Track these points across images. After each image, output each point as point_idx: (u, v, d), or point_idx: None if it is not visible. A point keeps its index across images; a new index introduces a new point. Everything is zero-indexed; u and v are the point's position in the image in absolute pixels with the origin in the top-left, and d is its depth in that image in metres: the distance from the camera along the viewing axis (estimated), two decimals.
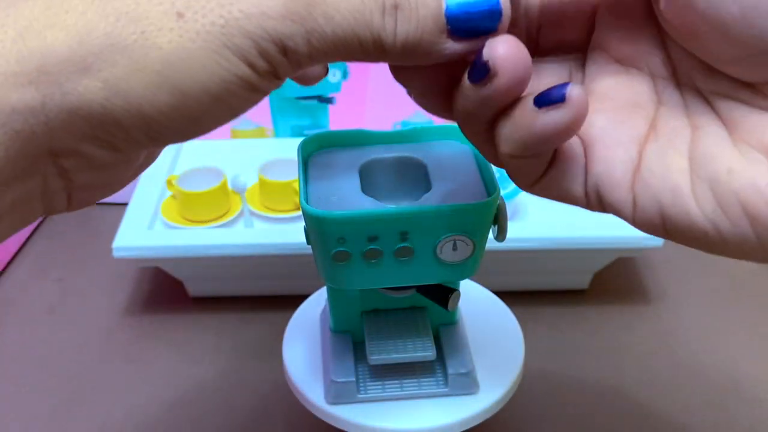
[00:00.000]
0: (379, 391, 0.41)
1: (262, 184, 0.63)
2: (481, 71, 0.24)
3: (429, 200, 0.35)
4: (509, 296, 0.50)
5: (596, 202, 0.26)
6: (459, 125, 0.27)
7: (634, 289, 0.63)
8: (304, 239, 0.57)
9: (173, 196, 0.63)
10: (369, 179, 0.37)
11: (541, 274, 0.61)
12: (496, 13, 0.24)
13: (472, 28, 0.24)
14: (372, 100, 0.71)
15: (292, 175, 0.63)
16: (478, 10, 0.24)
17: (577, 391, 0.54)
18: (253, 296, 0.61)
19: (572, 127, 0.24)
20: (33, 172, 0.23)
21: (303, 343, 0.46)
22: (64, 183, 0.24)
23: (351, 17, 0.23)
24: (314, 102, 0.71)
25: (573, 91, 0.23)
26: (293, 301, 0.49)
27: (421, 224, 0.33)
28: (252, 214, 0.63)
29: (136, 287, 0.64)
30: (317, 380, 0.43)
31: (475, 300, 0.49)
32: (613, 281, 0.63)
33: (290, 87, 0.70)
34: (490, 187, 0.35)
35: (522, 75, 0.23)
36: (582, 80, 0.28)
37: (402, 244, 0.33)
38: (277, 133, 0.74)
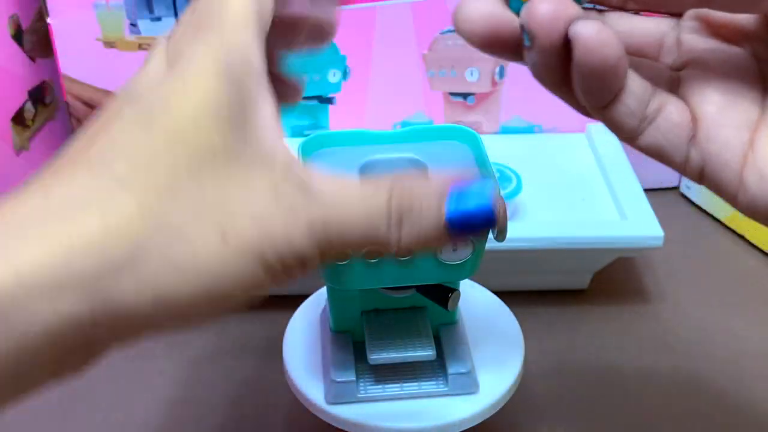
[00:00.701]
0: (379, 391, 0.41)
1: None
2: (525, 37, 0.26)
3: None
4: (509, 296, 0.50)
5: (696, 173, 0.27)
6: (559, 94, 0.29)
7: (634, 289, 0.63)
8: None
9: None
10: None
11: (540, 274, 0.61)
12: (489, 223, 0.27)
13: (469, 231, 0.27)
14: (372, 100, 0.71)
15: None
16: (476, 222, 0.27)
17: (577, 390, 0.54)
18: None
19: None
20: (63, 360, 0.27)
21: (303, 343, 0.46)
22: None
23: (359, 230, 0.26)
24: (314, 102, 0.72)
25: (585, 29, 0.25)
26: (293, 301, 0.49)
27: None
28: None
29: None
30: (317, 380, 0.43)
31: (475, 300, 0.49)
32: (613, 281, 0.63)
33: None
34: None
35: (557, 32, 0.25)
36: (678, 46, 0.29)
37: None
38: None
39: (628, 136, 0.28)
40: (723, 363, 0.56)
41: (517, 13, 0.27)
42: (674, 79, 0.30)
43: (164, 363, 0.56)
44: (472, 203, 0.27)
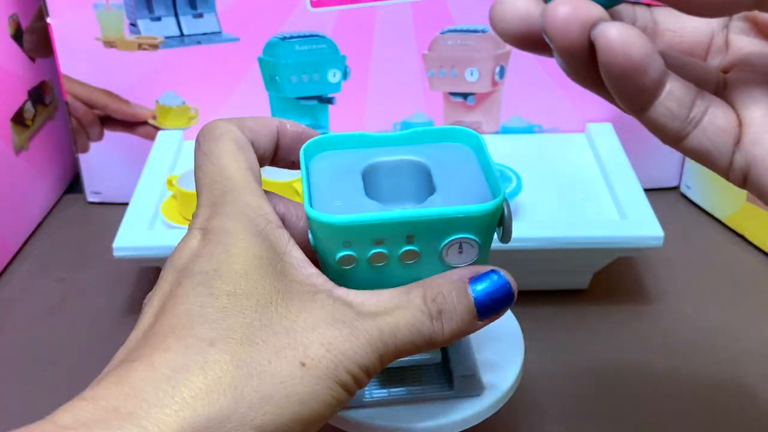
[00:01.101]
0: (385, 394, 0.41)
1: (263, 183, 0.63)
2: (546, 39, 0.26)
3: (434, 203, 0.35)
4: None
5: (740, 178, 0.27)
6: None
7: (634, 289, 0.63)
8: None
9: (174, 196, 0.63)
10: (372, 182, 0.37)
11: (541, 274, 0.61)
12: (511, 297, 0.34)
13: (496, 309, 0.33)
14: (372, 100, 0.71)
15: (292, 175, 0.63)
16: (499, 297, 0.33)
17: (577, 390, 0.54)
18: None
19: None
20: None
21: None
22: None
23: (408, 333, 0.31)
24: (314, 102, 0.72)
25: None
26: None
27: (428, 227, 0.33)
28: None
29: (137, 287, 0.64)
30: None
31: None
32: (613, 281, 0.63)
33: (290, 87, 0.70)
34: (494, 188, 0.35)
35: (575, 34, 0.25)
36: (727, 47, 0.29)
37: (408, 247, 0.33)
38: None
39: (671, 139, 0.27)
40: (723, 363, 0.56)
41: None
42: (721, 81, 0.29)
43: None
44: (492, 286, 0.33)
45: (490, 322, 0.34)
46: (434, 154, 0.38)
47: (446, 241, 0.33)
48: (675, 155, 0.73)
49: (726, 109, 0.27)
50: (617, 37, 0.24)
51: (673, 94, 0.26)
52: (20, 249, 0.69)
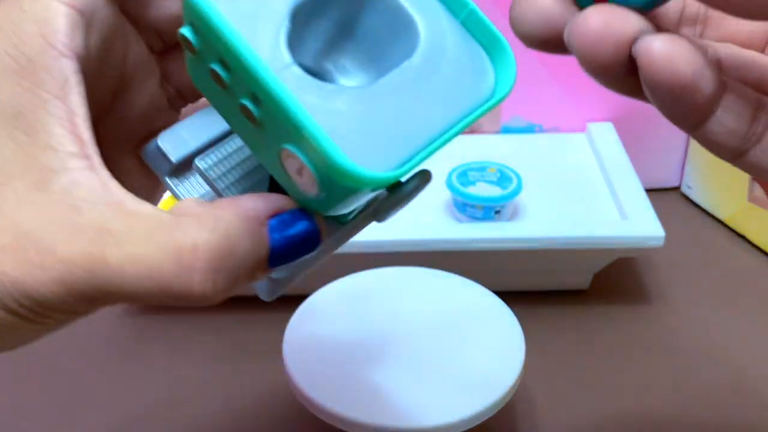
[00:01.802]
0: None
1: None
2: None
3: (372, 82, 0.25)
4: (509, 296, 0.50)
5: None
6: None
7: (634, 289, 0.63)
8: None
9: (173, 196, 0.63)
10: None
11: (541, 274, 0.61)
12: (315, 246, 0.25)
13: (291, 258, 0.25)
14: None
15: None
16: (301, 246, 0.25)
17: (577, 390, 0.54)
18: (253, 296, 0.61)
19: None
20: None
21: (304, 342, 0.46)
22: None
23: (146, 277, 0.23)
24: None
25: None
26: (293, 301, 0.49)
27: (273, 105, 0.23)
28: None
29: None
30: (318, 380, 0.43)
31: (475, 300, 0.49)
32: (613, 281, 0.63)
33: None
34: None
35: (610, 53, 0.22)
36: None
37: (248, 103, 0.24)
38: None
39: (728, 155, 0.24)
40: (723, 363, 0.56)
41: (583, 7, 0.23)
42: None
43: (164, 363, 0.56)
44: (297, 235, 0.25)
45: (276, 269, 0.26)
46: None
47: (283, 146, 0.24)
48: (676, 155, 0.73)
49: None
50: (662, 52, 0.21)
51: (730, 108, 0.23)
52: None
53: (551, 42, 0.24)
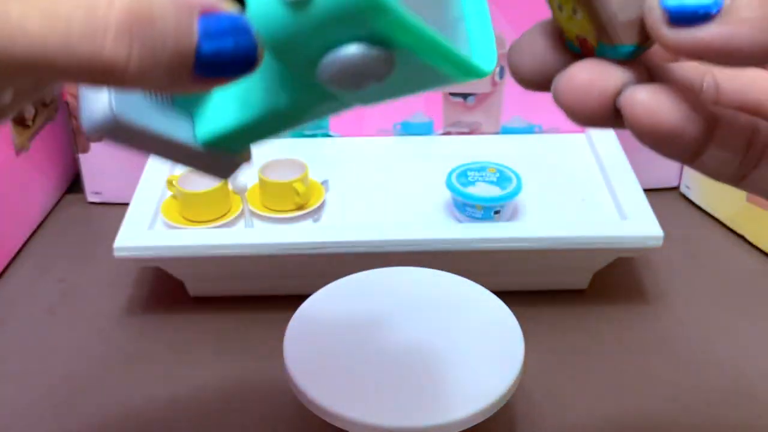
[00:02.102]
0: None
1: (262, 184, 0.63)
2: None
3: None
4: (509, 296, 0.50)
5: None
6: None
7: (633, 289, 0.63)
8: (304, 239, 0.58)
9: (174, 196, 0.64)
10: None
11: (540, 274, 0.61)
12: (250, 61, 0.22)
13: (221, 70, 0.22)
14: None
15: (292, 175, 0.63)
16: (232, 53, 0.21)
17: (577, 390, 0.54)
18: (253, 296, 0.62)
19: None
20: None
21: (304, 342, 0.46)
22: None
23: (82, 48, 0.20)
24: None
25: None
26: (293, 301, 0.50)
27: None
28: (252, 214, 0.63)
29: (137, 287, 0.64)
30: (318, 380, 0.43)
31: (475, 300, 0.49)
32: (612, 281, 0.63)
33: None
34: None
35: (594, 108, 0.23)
36: None
37: None
38: None
39: (727, 182, 0.24)
40: (722, 362, 0.56)
41: (574, 52, 0.24)
42: None
43: (164, 363, 0.56)
44: (230, 35, 0.21)
45: (204, 87, 0.22)
46: None
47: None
48: None
49: None
50: (644, 105, 0.22)
51: (723, 142, 0.23)
52: (21, 249, 0.69)
53: (547, 85, 0.25)
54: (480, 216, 0.60)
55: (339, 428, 0.42)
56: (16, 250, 0.68)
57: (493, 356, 0.45)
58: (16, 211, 0.68)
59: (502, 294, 0.50)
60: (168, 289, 0.63)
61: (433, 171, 0.67)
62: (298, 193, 0.62)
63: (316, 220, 0.63)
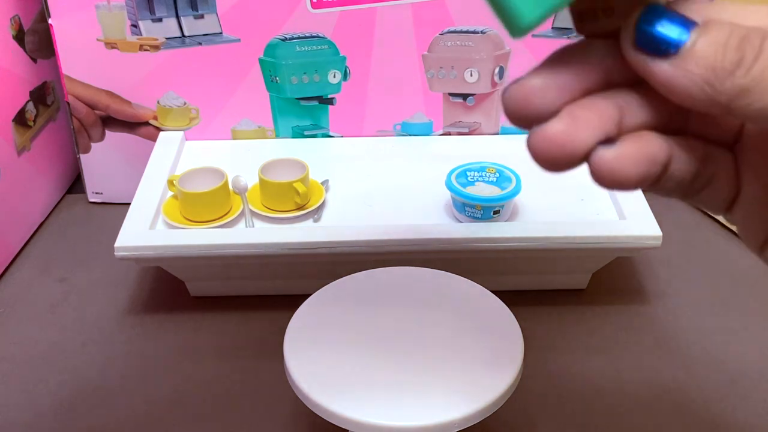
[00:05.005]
0: None
1: (263, 184, 0.63)
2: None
3: None
4: (508, 296, 0.50)
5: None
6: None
7: (632, 289, 0.63)
8: (304, 239, 0.58)
9: (175, 197, 0.64)
10: None
11: (540, 274, 0.61)
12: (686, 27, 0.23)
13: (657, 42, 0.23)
14: (372, 101, 0.71)
15: (292, 175, 0.63)
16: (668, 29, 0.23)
17: (576, 390, 0.54)
18: (253, 296, 0.62)
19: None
20: None
21: (304, 342, 0.46)
22: None
23: None
24: (314, 102, 0.72)
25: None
26: (294, 300, 0.50)
27: None
28: (253, 214, 0.63)
29: (138, 287, 0.64)
30: (319, 379, 0.43)
31: (474, 300, 0.50)
32: (611, 281, 0.63)
33: (291, 87, 0.70)
34: None
35: (560, 162, 0.25)
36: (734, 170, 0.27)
37: None
38: (278, 134, 0.74)
39: (681, 200, 0.27)
40: (721, 362, 0.56)
41: None
42: (737, 130, 0.27)
43: (165, 362, 0.56)
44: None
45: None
46: None
47: None
48: None
49: (728, 175, 0.26)
50: (611, 167, 0.24)
51: (675, 175, 0.26)
52: (22, 249, 0.69)
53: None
54: (480, 216, 0.60)
55: (339, 428, 0.42)
56: (17, 249, 0.68)
57: (493, 356, 0.45)
58: (17, 210, 0.68)
59: (502, 294, 0.50)
60: (169, 289, 0.63)
61: (432, 171, 0.67)
62: (298, 193, 0.62)
63: (316, 220, 0.64)
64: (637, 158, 0.24)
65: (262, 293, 0.62)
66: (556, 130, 0.24)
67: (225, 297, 0.62)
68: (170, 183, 0.63)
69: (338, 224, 0.63)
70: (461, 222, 0.61)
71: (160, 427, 0.51)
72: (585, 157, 0.24)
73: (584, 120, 0.24)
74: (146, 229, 0.59)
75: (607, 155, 0.24)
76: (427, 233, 0.57)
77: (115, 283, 0.64)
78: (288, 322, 0.48)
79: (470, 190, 0.60)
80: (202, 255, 0.56)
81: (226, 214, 0.63)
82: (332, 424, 0.42)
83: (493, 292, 0.50)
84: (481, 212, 0.60)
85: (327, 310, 0.49)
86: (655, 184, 0.26)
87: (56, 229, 0.72)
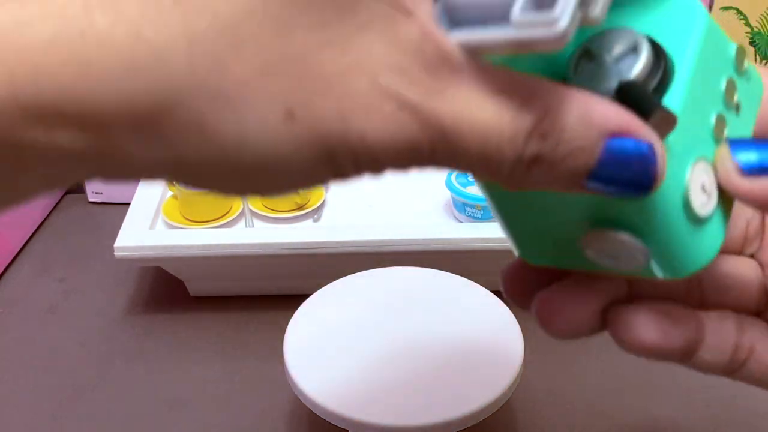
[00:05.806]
0: None
1: None
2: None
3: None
4: None
5: None
6: None
7: None
8: (304, 239, 0.58)
9: (174, 196, 0.64)
10: None
11: None
12: (649, 185, 0.20)
13: (613, 188, 0.21)
14: None
15: None
16: (631, 177, 0.20)
17: (577, 390, 0.54)
18: (253, 296, 0.62)
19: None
20: None
21: (304, 342, 0.46)
22: None
23: (477, 146, 0.20)
24: None
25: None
26: (294, 300, 0.50)
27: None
28: (253, 213, 0.63)
29: (138, 287, 0.64)
30: (318, 380, 0.43)
31: (474, 300, 0.50)
32: None
33: None
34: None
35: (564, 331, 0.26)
36: (763, 226, 0.27)
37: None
38: None
39: (723, 375, 0.27)
40: None
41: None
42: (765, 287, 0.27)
43: (165, 362, 0.56)
44: (630, 170, 0.20)
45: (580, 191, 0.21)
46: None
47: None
48: None
49: None
50: (628, 329, 0.25)
51: (710, 347, 0.26)
52: (22, 249, 0.69)
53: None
54: (480, 216, 0.60)
55: (339, 428, 0.42)
56: (16, 249, 0.68)
57: (493, 355, 0.45)
58: (16, 210, 0.68)
59: (501, 293, 0.50)
60: (168, 289, 0.63)
61: (432, 171, 0.67)
62: (298, 193, 0.62)
63: (316, 220, 0.63)
64: (655, 320, 0.25)
65: (262, 293, 0.62)
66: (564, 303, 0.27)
67: (225, 297, 0.62)
68: (170, 183, 0.63)
69: (338, 224, 0.63)
70: (461, 222, 0.61)
71: (160, 427, 0.51)
72: (600, 319, 0.28)
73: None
74: (146, 229, 0.59)
75: (626, 314, 0.27)
76: (427, 233, 0.57)
77: (115, 283, 0.64)
78: (288, 322, 0.48)
79: (470, 190, 0.60)
80: (201, 255, 0.56)
81: (225, 214, 0.63)
82: (332, 424, 0.42)
83: (493, 292, 0.50)
84: (481, 212, 0.60)
85: (327, 310, 0.49)
86: (685, 360, 0.27)
87: (56, 228, 0.72)
